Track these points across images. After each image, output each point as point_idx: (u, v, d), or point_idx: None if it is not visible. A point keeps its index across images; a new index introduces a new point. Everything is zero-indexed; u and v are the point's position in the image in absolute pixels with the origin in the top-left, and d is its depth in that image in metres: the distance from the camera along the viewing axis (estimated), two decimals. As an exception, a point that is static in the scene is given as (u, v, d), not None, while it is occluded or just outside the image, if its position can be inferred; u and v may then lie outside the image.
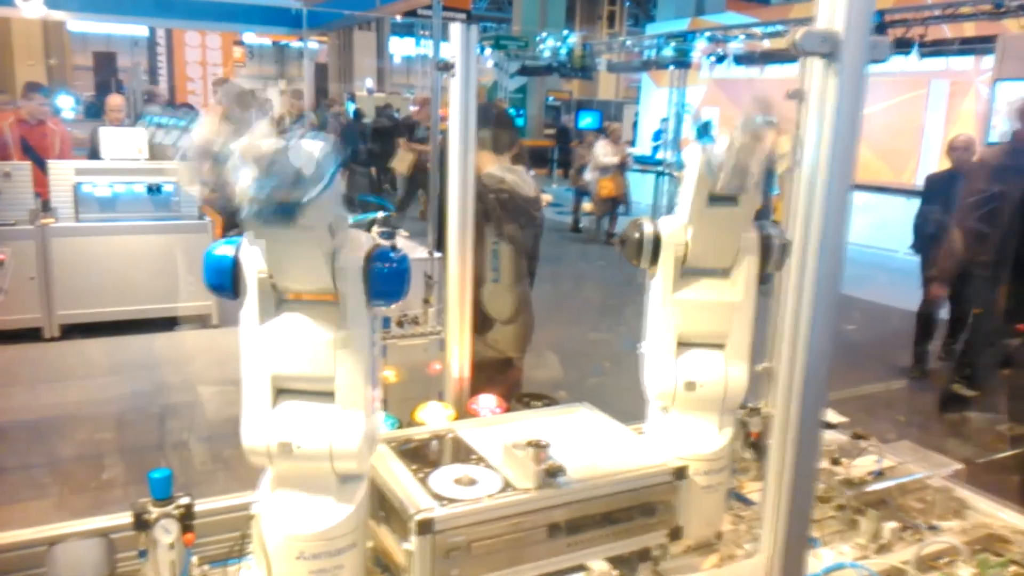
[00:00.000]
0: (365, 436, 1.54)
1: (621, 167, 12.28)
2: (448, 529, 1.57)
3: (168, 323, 6.31)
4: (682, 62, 16.11)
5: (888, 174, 13.12)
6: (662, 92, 17.91)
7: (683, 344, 2.01)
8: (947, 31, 12.12)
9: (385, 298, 1.54)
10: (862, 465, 2.31)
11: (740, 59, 14.10)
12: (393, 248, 1.55)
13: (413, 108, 13.56)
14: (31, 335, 6.12)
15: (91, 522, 1.86)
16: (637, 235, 1.95)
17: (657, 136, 17.61)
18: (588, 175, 12.43)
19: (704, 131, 1.95)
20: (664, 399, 2.02)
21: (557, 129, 21.74)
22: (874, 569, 1.90)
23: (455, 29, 2.18)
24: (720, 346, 1.99)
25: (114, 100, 7.94)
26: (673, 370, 1.99)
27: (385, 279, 1.51)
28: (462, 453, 1.87)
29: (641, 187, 15.07)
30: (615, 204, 12.47)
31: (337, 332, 1.52)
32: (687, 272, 1.99)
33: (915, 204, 11.14)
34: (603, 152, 12.10)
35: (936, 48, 11.96)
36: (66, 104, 7.03)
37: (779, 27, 13.77)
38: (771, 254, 1.93)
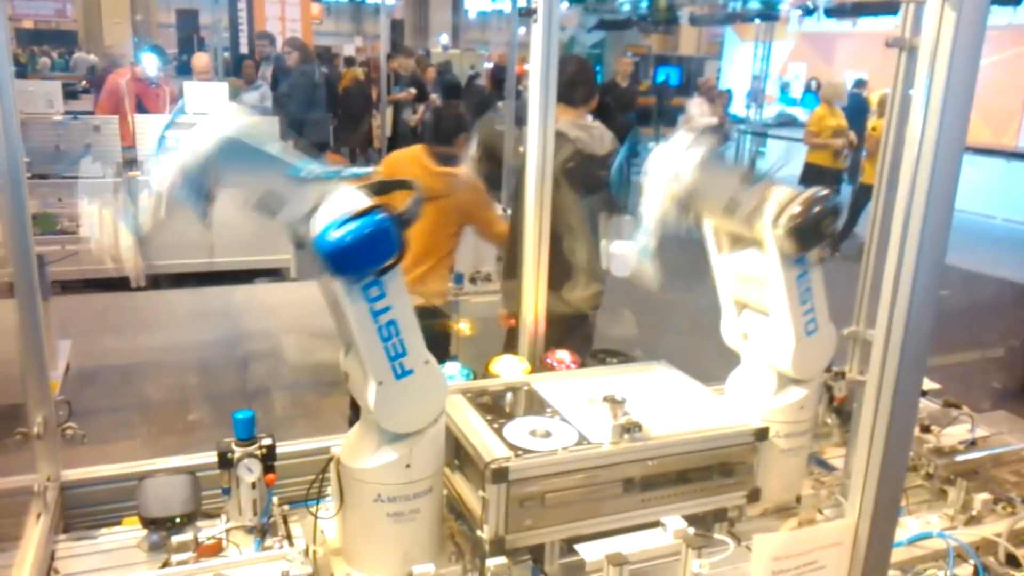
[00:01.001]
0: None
1: (719, 130, 11.51)
2: (522, 479, 1.56)
3: (249, 275, 6.49)
4: (769, 15, 15.45)
5: (988, 135, 12.41)
6: (747, 47, 17.29)
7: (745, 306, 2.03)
8: (1059, -21, 11.27)
9: (341, 272, 1.38)
10: (953, 434, 2.21)
11: (831, 11, 13.41)
12: (358, 215, 1.36)
13: (487, 65, 13.30)
14: (120, 284, 6.36)
15: (178, 460, 1.93)
16: None
17: (750, 96, 16.92)
18: None
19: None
20: (732, 346, 2.04)
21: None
22: (964, 540, 1.82)
23: (538, -26, 2.12)
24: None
25: (200, 60, 8.08)
26: (733, 325, 2.03)
27: (331, 251, 1.34)
28: (537, 406, 1.85)
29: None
30: None
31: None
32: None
33: (1016, 167, 10.62)
34: (699, 112, 11.25)
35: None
36: (151, 62, 7.15)
37: (873, -23, 13.07)
38: (784, 242, 1.81)
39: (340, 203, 1.42)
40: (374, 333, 1.47)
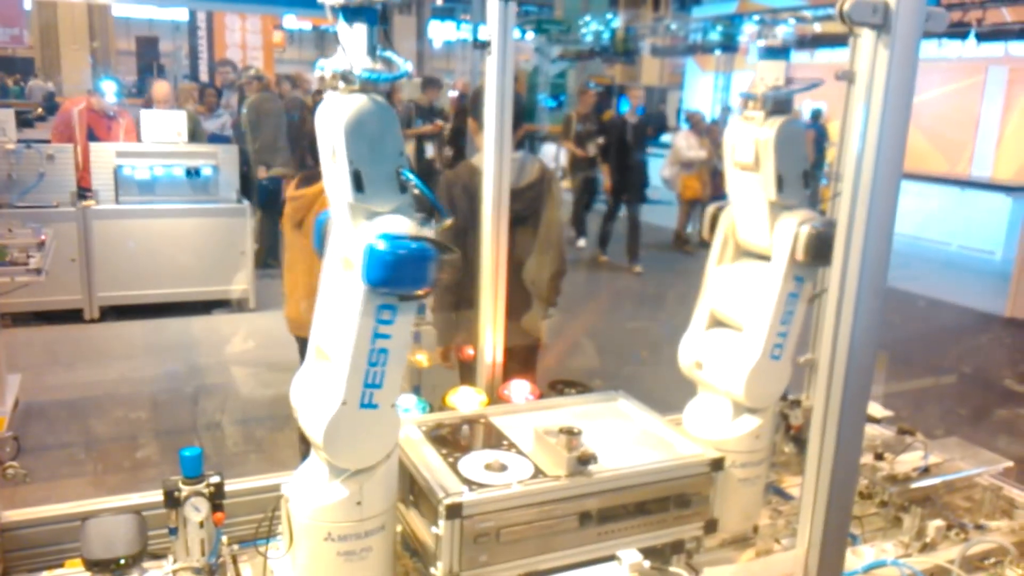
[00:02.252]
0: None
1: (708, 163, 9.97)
2: (477, 514, 1.54)
3: (206, 306, 6.39)
4: (729, 46, 15.80)
5: (942, 164, 12.74)
6: (707, 77, 17.63)
7: (718, 322, 2.08)
8: (1007, 15, 11.68)
9: (377, 283, 1.43)
10: (907, 461, 2.23)
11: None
12: (416, 238, 1.44)
13: (452, 94, 13.17)
14: (72, 316, 6.23)
15: (124, 499, 1.88)
16: (711, 209, 2.14)
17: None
18: (667, 171, 10.24)
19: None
20: (686, 371, 2.08)
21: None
22: (917, 568, 1.83)
23: (492, 6, 2.13)
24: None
25: (161, 89, 7.84)
26: (694, 343, 2.07)
27: (383, 256, 1.40)
28: (493, 439, 1.84)
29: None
30: (696, 207, 10.01)
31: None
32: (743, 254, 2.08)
33: (970, 195, 10.89)
34: (687, 145, 10.05)
35: (995, 32, 11.54)
36: (109, 89, 7.04)
37: (830, 10, 13.37)
38: (799, 243, 1.86)
39: (402, 221, 1.47)
40: (365, 353, 1.47)
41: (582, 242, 9.78)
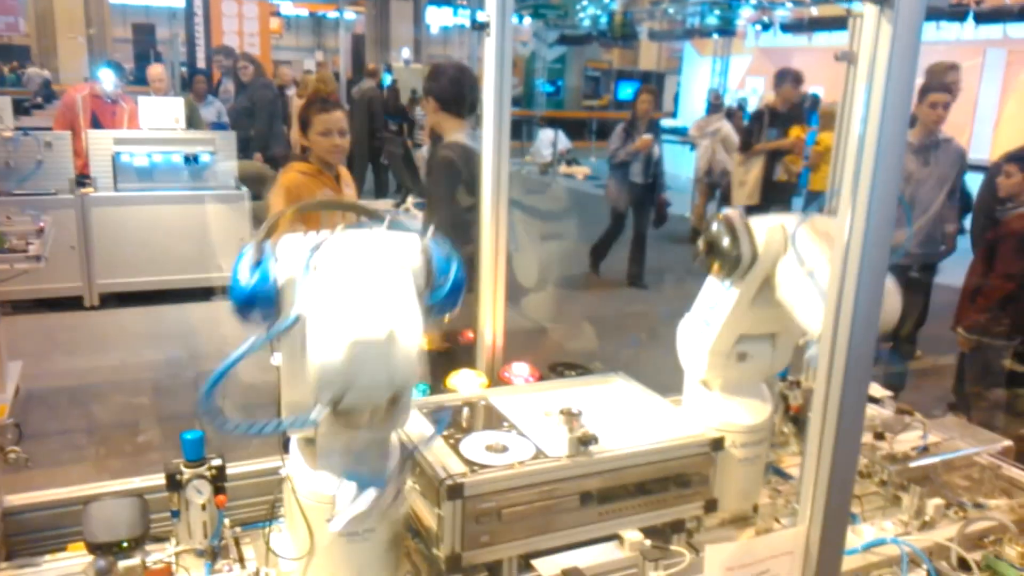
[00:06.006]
0: None
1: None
2: (478, 495, 1.55)
3: (205, 293, 6.38)
4: (726, 30, 15.76)
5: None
6: (705, 61, 17.57)
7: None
8: (1005, -4, 11.65)
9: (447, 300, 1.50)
10: (906, 440, 2.24)
11: (787, 27, 13.74)
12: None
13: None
14: (72, 304, 6.23)
15: (126, 483, 1.88)
16: (734, 252, 1.84)
17: (708, 109, 17.19)
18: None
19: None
20: (711, 371, 1.97)
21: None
22: (917, 546, 1.84)
23: (491, -13, 2.12)
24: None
25: (155, 70, 7.97)
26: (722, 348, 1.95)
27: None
28: (494, 420, 1.84)
29: (682, 159, 14.86)
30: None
31: None
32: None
33: (968, 177, 10.85)
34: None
35: (993, 14, 11.50)
36: (108, 77, 7.02)
37: (826, -7, 13.38)
38: None
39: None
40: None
41: None
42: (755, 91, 17.76)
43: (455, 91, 3.50)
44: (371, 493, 1.41)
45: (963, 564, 1.85)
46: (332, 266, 1.40)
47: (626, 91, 20.75)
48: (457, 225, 3.36)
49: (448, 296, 1.48)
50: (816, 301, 1.69)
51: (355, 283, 1.38)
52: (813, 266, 1.74)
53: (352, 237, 1.48)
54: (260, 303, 1.44)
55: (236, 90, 9.39)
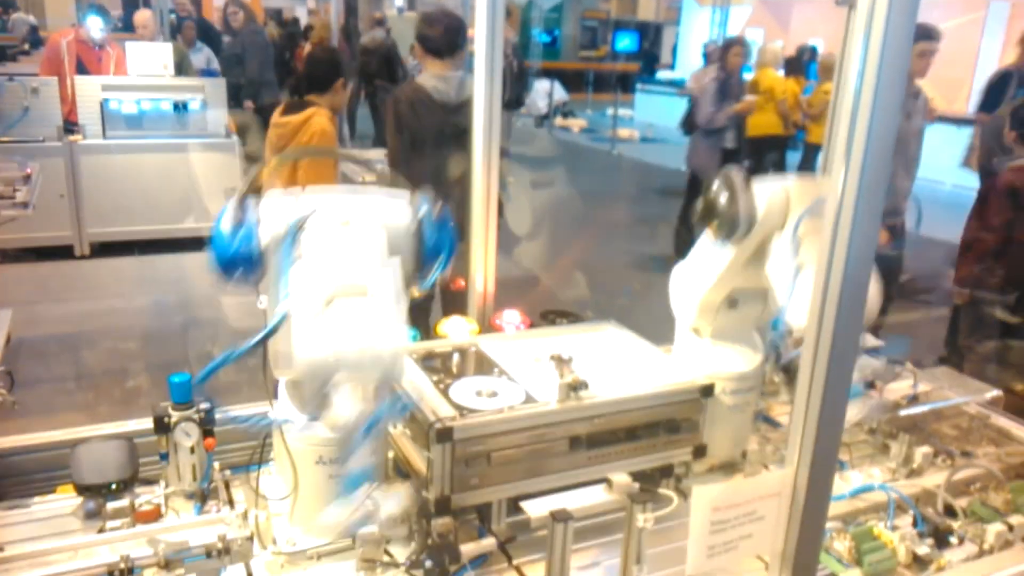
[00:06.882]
0: None
1: None
2: (467, 438, 1.54)
3: (196, 242, 6.33)
4: (726, -21, 15.45)
5: (939, 102, 12.56)
6: (705, 12, 17.28)
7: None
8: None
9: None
10: (896, 389, 2.25)
11: (786, -23, 13.48)
12: None
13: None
14: (63, 253, 6.18)
15: (115, 426, 1.88)
16: (732, 212, 1.78)
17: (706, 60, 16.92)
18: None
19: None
20: (701, 319, 1.95)
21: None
22: (904, 492, 1.85)
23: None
24: None
25: (141, 16, 7.80)
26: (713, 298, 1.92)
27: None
28: (484, 366, 1.83)
29: (676, 111, 14.68)
30: None
31: None
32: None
33: (966, 133, 10.81)
34: None
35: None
36: (94, 23, 6.87)
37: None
38: None
39: None
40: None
41: None
42: (754, 43, 17.50)
43: (437, 33, 3.74)
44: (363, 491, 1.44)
45: (949, 510, 1.87)
46: (316, 260, 1.45)
47: (623, 42, 20.42)
48: (410, 163, 3.60)
49: (439, 259, 1.58)
50: (800, 295, 1.67)
51: (337, 284, 1.45)
52: (804, 260, 1.72)
53: (337, 207, 1.51)
54: (243, 263, 1.44)
55: (217, 37, 9.19)
